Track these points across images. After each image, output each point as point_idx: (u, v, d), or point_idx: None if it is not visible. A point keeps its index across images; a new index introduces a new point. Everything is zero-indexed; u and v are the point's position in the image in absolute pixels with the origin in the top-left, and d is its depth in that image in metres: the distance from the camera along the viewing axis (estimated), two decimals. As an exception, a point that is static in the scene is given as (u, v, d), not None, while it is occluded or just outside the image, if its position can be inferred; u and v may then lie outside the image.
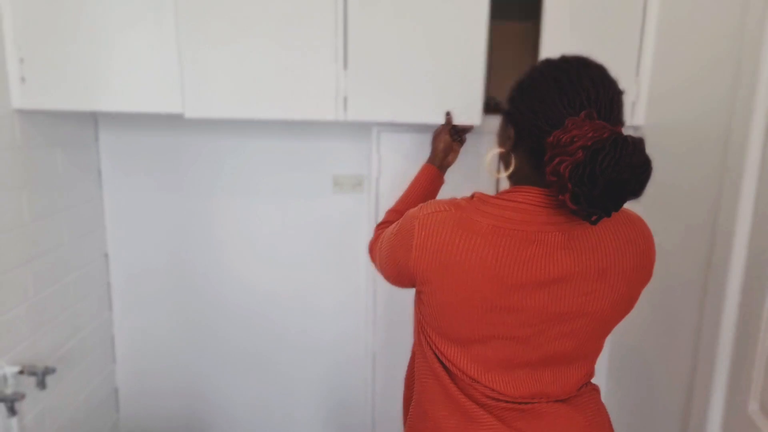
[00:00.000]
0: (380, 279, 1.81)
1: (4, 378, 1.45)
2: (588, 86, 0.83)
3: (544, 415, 0.97)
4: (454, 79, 1.52)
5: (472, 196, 0.94)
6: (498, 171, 1.01)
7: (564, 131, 0.79)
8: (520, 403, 0.96)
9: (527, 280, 0.87)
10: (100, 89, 1.50)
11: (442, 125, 1.51)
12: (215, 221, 2.02)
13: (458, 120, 1.53)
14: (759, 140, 1.10)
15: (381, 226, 1.26)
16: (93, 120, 1.90)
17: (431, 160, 1.44)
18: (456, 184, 1.53)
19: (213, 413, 2.17)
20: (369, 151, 1.91)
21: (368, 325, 1.99)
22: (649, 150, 0.79)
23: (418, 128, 1.77)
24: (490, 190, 1.12)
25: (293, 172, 2.00)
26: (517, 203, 0.88)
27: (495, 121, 1.03)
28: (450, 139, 1.47)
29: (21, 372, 1.47)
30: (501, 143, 0.98)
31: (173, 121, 1.92)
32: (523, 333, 0.91)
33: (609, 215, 0.81)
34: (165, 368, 2.12)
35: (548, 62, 0.90)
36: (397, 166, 1.84)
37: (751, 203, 1.12)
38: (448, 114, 1.52)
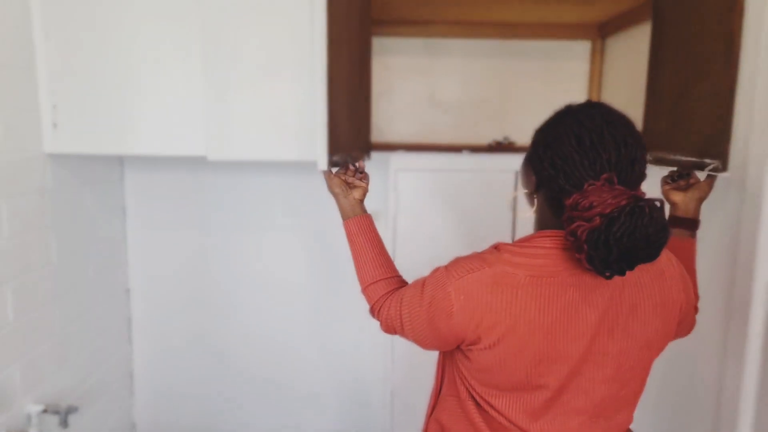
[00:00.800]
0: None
1: (29, 417, 1.47)
2: (610, 148, 0.84)
3: None
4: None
5: (496, 248, 0.94)
6: (526, 208, 1.01)
7: (583, 196, 0.81)
8: None
9: (570, 326, 0.87)
10: (127, 134, 1.55)
11: (324, 172, 1.29)
12: (234, 255, 2.05)
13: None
14: None
15: (379, 299, 1.12)
16: (119, 161, 1.96)
17: (343, 216, 1.25)
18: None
19: (229, 449, 2.17)
20: (386, 188, 1.94)
21: (386, 362, 1.99)
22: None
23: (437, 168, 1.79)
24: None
25: (310, 209, 2.03)
26: (547, 249, 0.89)
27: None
28: (340, 180, 1.27)
29: (44, 411, 1.49)
30: (524, 184, 0.99)
31: (196, 161, 1.97)
32: (571, 380, 0.91)
33: (623, 275, 0.82)
34: (182, 402, 2.14)
35: (572, 115, 0.90)
36: (414, 204, 1.86)
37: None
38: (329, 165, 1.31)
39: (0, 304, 1.38)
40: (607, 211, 0.78)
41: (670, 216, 1.23)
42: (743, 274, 1.21)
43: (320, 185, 2.03)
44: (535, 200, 0.95)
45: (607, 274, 0.82)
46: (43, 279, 1.55)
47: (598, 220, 0.78)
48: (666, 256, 0.97)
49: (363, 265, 1.17)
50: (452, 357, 1.04)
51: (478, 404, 0.99)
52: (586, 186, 0.82)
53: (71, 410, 1.52)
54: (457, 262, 0.95)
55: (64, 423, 1.51)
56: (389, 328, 1.10)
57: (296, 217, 2.03)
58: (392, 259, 1.20)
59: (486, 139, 2.08)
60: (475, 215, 1.86)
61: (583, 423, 0.95)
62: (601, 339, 0.89)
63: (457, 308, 0.89)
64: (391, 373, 1.96)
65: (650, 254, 0.80)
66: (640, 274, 0.92)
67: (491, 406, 0.96)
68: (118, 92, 1.53)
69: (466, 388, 1.00)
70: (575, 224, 0.80)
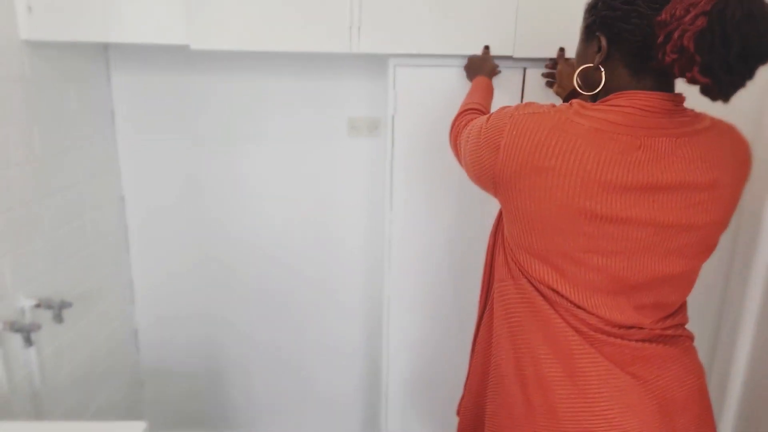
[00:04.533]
0: (396, 224, 1.78)
1: (22, 311, 1.47)
2: None
3: (653, 358, 0.89)
4: (481, 4, 1.44)
5: (571, 104, 0.86)
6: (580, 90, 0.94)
7: (673, 5, 0.74)
8: (628, 340, 0.88)
9: (633, 184, 0.80)
10: (107, 20, 1.46)
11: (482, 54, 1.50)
12: (230, 163, 2.00)
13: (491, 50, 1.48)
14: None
15: (461, 116, 1.15)
16: (104, 59, 1.87)
17: (481, 72, 1.44)
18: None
19: (230, 353, 2.20)
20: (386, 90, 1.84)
21: (385, 272, 1.97)
22: None
23: (439, 62, 1.68)
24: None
25: (307, 114, 1.95)
26: (621, 107, 0.82)
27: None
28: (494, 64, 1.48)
29: (38, 305, 1.49)
30: (588, 60, 0.90)
31: (185, 61, 1.88)
32: (628, 248, 0.83)
33: (743, 84, 0.75)
34: (183, 311, 2.14)
35: None
36: (415, 106, 1.76)
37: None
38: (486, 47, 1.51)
39: (-17, 195, 1.34)
40: (709, 7, 0.70)
41: None
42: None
43: (317, 87, 1.94)
44: (602, 75, 0.86)
45: (725, 93, 0.75)
46: (27, 174, 1.50)
47: (702, 19, 0.70)
48: (738, 137, 0.87)
49: (469, 99, 1.24)
50: (500, 231, 0.98)
51: (531, 283, 0.91)
52: None
53: (65, 305, 1.51)
54: (530, 102, 0.90)
55: (59, 317, 1.50)
56: (451, 143, 1.14)
57: (294, 122, 1.96)
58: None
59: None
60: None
61: (633, 297, 0.87)
62: (670, 208, 0.81)
63: (505, 143, 0.85)
64: (390, 281, 1.94)
65: None
66: (722, 151, 0.84)
67: (542, 282, 0.89)
68: (94, -28, 1.42)
69: (516, 264, 0.93)
70: (676, 34, 0.73)
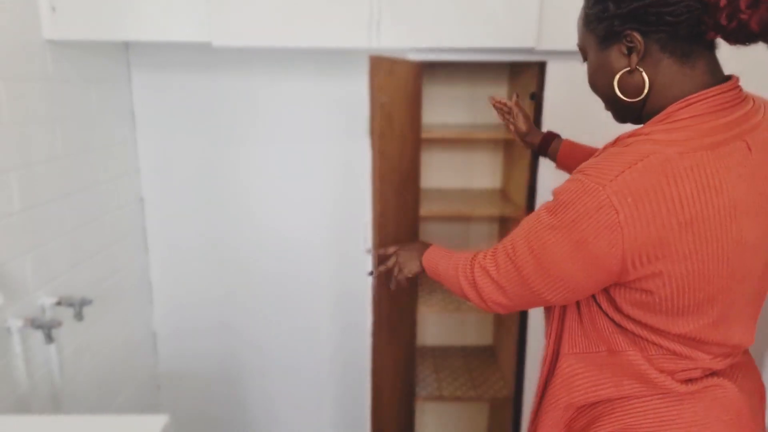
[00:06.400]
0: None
1: (42, 308, 1.47)
2: None
3: (745, 368, 0.86)
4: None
5: (618, 139, 0.77)
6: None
7: None
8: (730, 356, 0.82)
9: (753, 200, 0.72)
10: (129, 18, 1.48)
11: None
12: (249, 163, 2.00)
13: (508, 41, 1.45)
14: None
15: (464, 267, 0.95)
16: (125, 59, 1.88)
17: (420, 250, 1.17)
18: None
19: (247, 358, 2.18)
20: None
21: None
22: None
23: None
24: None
25: (328, 114, 1.94)
26: (695, 117, 0.72)
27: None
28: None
29: (59, 303, 1.49)
30: (613, 68, 0.79)
31: (204, 60, 1.88)
32: (751, 269, 0.75)
33: None
34: (201, 313, 2.14)
35: None
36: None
37: None
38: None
39: (5, 192, 1.35)
40: None
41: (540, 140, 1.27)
42: None
43: (337, 87, 1.94)
44: (644, 78, 0.76)
45: None
46: (49, 173, 1.51)
47: None
48: None
49: (446, 269, 1.02)
50: (616, 309, 0.80)
51: (643, 346, 0.79)
52: None
53: (85, 302, 1.51)
54: (591, 167, 0.72)
55: (79, 315, 1.50)
56: (485, 293, 0.88)
57: (312, 123, 1.95)
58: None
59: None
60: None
61: (746, 326, 0.81)
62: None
63: (624, 217, 0.68)
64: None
65: None
66: None
67: (679, 340, 0.77)
68: (116, -29, 1.44)
69: (640, 340, 0.79)
70: (736, 20, 0.67)
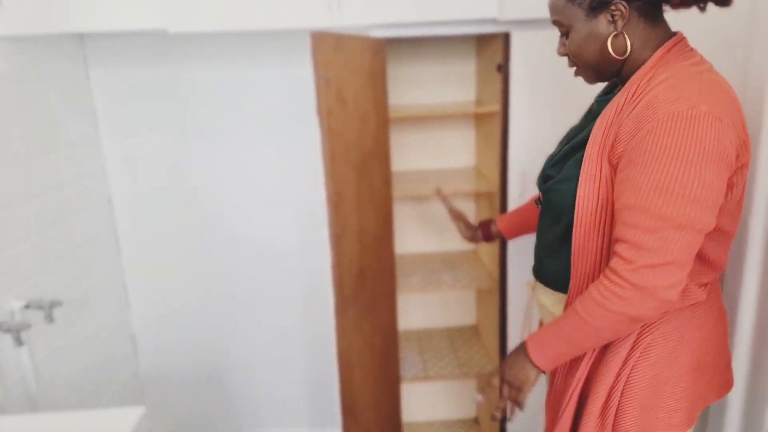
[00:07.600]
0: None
1: (11, 312, 1.42)
2: None
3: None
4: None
5: (635, 93, 0.92)
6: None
7: None
8: None
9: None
10: (81, 10, 1.44)
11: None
12: (219, 156, 1.96)
13: (470, 13, 1.45)
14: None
15: (600, 297, 0.87)
16: (82, 55, 1.83)
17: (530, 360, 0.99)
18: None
19: (230, 355, 2.15)
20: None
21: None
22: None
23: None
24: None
25: (295, 102, 1.91)
26: (689, 52, 0.94)
27: None
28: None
29: (27, 306, 1.45)
30: (601, 35, 0.94)
31: (164, 51, 1.84)
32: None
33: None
34: (180, 313, 2.10)
35: None
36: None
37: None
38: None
39: (-37, 194, 1.30)
40: None
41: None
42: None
43: (305, 75, 1.89)
44: (626, 40, 0.92)
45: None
46: (11, 174, 1.46)
47: None
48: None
49: (573, 331, 0.92)
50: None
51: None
52: None
53: (55, 304, 1.47)
54: (669, 103, 0.84)
55: (50, 317, 1.46)
56: (661, 287, 0.82)
57: (279, 111, 1.92)
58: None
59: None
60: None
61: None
62: None
63: (725, 122, 0.84)
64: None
65: None
66: None
67: (718, 254, 0.98)
68: (64, -39, 1.39)
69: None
70: None
